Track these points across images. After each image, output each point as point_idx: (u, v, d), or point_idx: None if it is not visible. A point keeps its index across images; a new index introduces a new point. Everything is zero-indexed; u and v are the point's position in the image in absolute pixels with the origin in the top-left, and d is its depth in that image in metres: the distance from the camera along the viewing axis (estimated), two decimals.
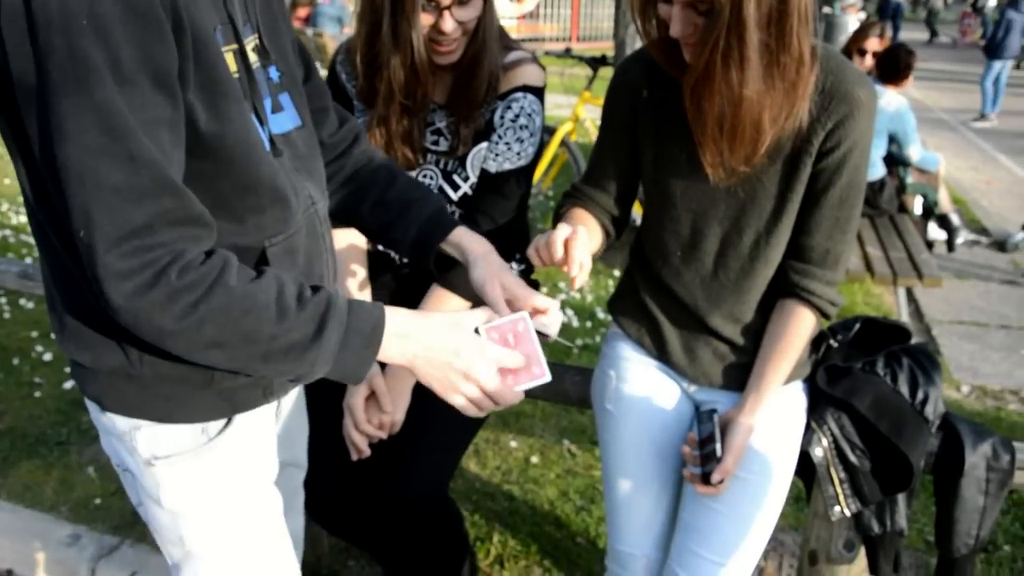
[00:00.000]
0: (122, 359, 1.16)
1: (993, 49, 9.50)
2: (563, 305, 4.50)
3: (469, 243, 1.50)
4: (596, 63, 5.47)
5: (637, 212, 4.73)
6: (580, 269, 1.42)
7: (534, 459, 3.06)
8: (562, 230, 1.44)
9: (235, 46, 1.12)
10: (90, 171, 0.94)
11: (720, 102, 1.39)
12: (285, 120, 1.25)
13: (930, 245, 5.26)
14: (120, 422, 1.23)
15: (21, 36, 0.91)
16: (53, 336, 1.24)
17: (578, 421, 3.33)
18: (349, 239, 1.88)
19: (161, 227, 0.99)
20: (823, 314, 1.64)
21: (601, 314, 4.40)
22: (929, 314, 4.79)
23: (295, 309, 1.09)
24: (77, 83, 0.91)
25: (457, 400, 1.26)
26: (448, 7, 1.67)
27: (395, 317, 1.19)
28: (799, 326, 1.64)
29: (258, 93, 1.16)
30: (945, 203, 5.24)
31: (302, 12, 10.58)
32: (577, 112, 5.81)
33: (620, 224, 1.79)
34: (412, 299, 1.84)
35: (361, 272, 1.91)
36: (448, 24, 1.68)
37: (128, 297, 0.98)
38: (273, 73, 1.23)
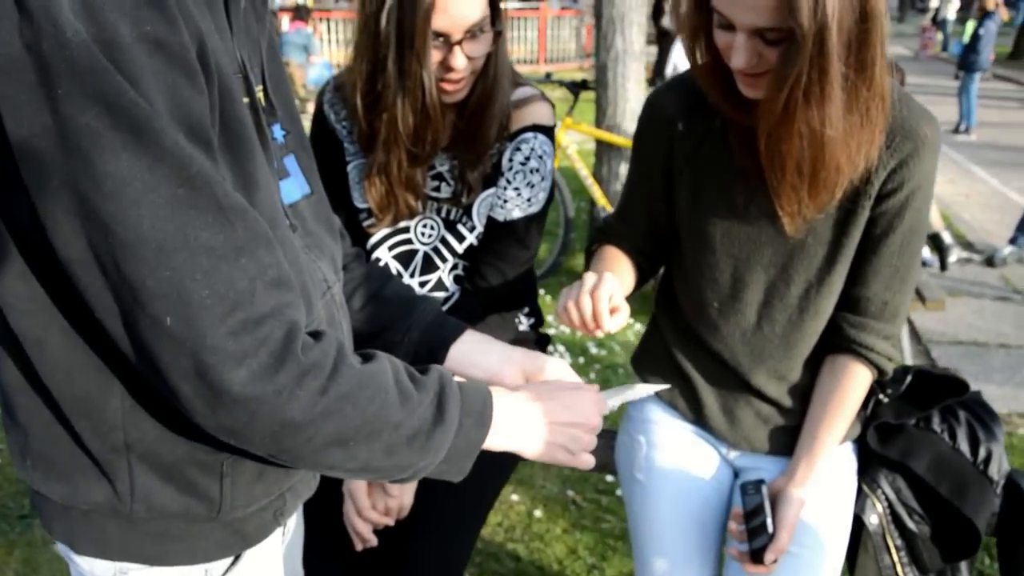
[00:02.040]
0: (108, 493, 0.92)
1: (972, 62, 9.51)
2: (552, 340, 4.33)
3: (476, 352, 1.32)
4: (577, 88, 5.33)
5: None
6: (613, 315, 1.28)
7: (537, 513, 2.88)
8: (588, 281, 1.28)
9: (247, 100, 0.92)
10: (175, 233, 0.75)
11: (800, 145, 1.23)
12: (292, 188, 1.05)
13: (923, 264, 5.17)
14: (100, 566, 0.99)
15: (29, 90, 0.71)
16: (13, 461, 1.00)
17: (580, 469, 3.14)
18: None
19: (264, 291, 0.80)
20: (880, 371, 1.48)
21: (594, 349, 4.24)
22: (927, 335, 4.67)
23: (414, 391, 0.93)
24: (135, 132, 0.72)
25: (585, 458, 1.15)
26: (459, 42, 1.50)
27: (494, 390, 1.06)
28: (854, 384, 1.48)
29: (271, 155, 0.96)
30: (936, 221, 5.15)
31: None
32: (558, 139, 5.66)
33: (655, 263, 1.63)
34: None
35: None
36: (459, 60, 1.51)
37: (248, 384, 0.78)
38: (277, 132, 1.04)
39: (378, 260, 1.72)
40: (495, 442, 1.04)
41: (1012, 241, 5.77)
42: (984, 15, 9.39)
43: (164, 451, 0.92)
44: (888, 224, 1.38)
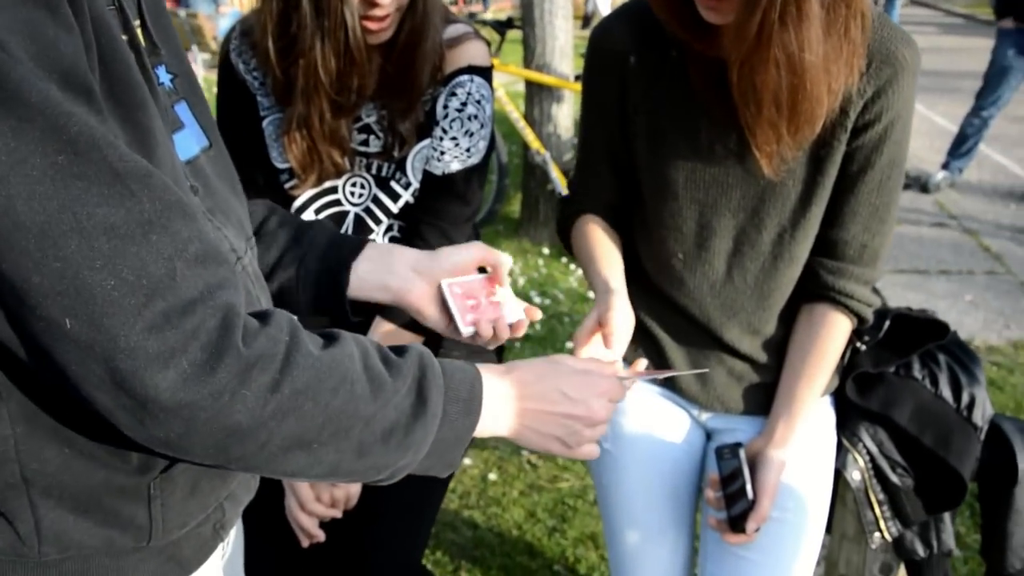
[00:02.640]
0: (8, 537, 0.75)
1: None
2: None
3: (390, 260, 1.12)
4: (503, 27, 5.12)
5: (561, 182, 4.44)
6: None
7: (492, 476, 2.76)
8: (590, 322, 1.22)
9: (124, 37, 0.73)
10: (60, 213, 0.59)
11: (777, 73, 1.07)
12: (189, 141, 0.85)
13: None
14: None
15: None
16: None
17: None
18: None
19: (187, 271, 0.65)
20: (860, 319, 1.37)
21: (537, 298, 4.11)
22: None
23: (388, 377, 0.78)
24: None
25: (585, 450, 0.99)
26: None
27: (484, 369, 0.91)
28: (833, 334, 1.36)
29: (161, 104, 0.77)
30: None
31: None
32: None
33: (622, 218, 1.49)
34: None
35: None
36: None
37: (179, 389, 0.63)
38: (163, 75, 0.84)
39: None
40: (482, 429, 0.89)
41: (945, 166, 5.78)
42: None
43: (73, 481, 0.75)
44: (866, 159, 1.25)
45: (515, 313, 1.11)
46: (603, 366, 1.01)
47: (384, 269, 1.10)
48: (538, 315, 1.12)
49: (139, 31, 0.77)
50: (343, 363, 0.75)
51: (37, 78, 0.58)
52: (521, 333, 1.10)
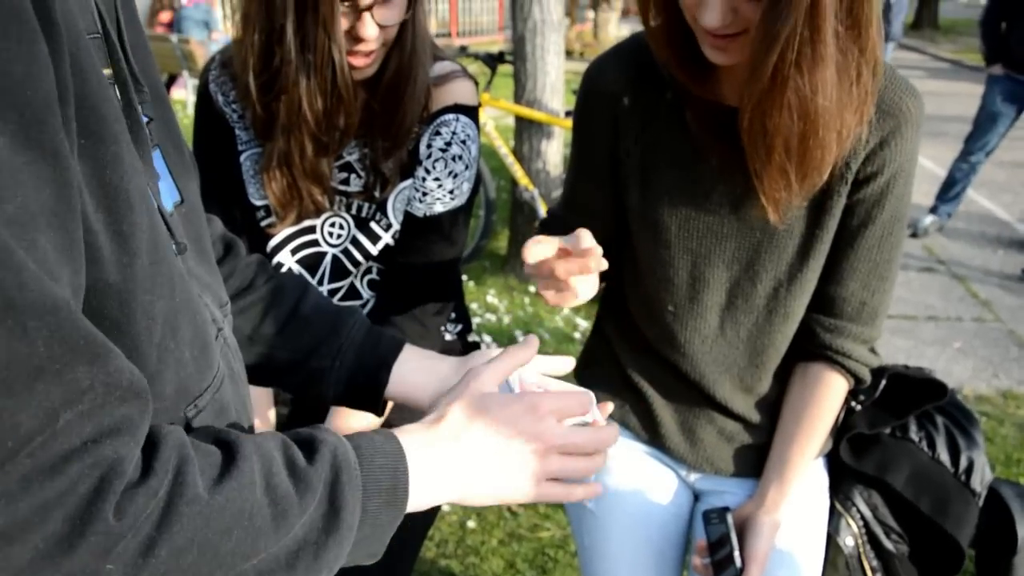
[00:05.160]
0: None
1: (884, 32, 9.52)
2: (478, 329, 4.12)
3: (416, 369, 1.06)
4: (494, 61, 5.09)
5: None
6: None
7: (471, 524, 2.67)
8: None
9: (108, 71, 0.64)
10: None
11: (790, 118, 1.02)
12: (163, 194, 0.74)
13: None
14: None
15: None
16: None
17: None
18: None
19: (75, 422, 0.51)
20: (857, 379, 1.31)
21: (521, 338, 4.03)
22: None
23: (294, 496, 0.65)
24: None
25: (554, 491, 0.83)
26: (369, 7, 1.25)
27: (409, 441, 0.77)
28: (829, 395, 1.30)
29: (146, 151, 0.67)
30: None
31: (164, 17, 9.83)
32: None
33: (610, 261, 1.41)
34: (316, 406, 1.42)
35: (263, 397, 1.48)
36: (369, 29, 1.26)
37: (24, 571, 0.50)
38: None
39: (280, 265, 1.47)
40: (421, 504, 0.77)
41: (933, 210, 5.77)
42: None
43: None
44: (867, 213, 1.20)
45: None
46: (542, 395, 0.86)
47: (426, 368, 1.05)
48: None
49: (124, 63, 0.67)
50: (239, 497, 0.62)
51: None
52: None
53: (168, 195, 0.75)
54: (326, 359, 1.04)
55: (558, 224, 1.37)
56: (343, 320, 1.07)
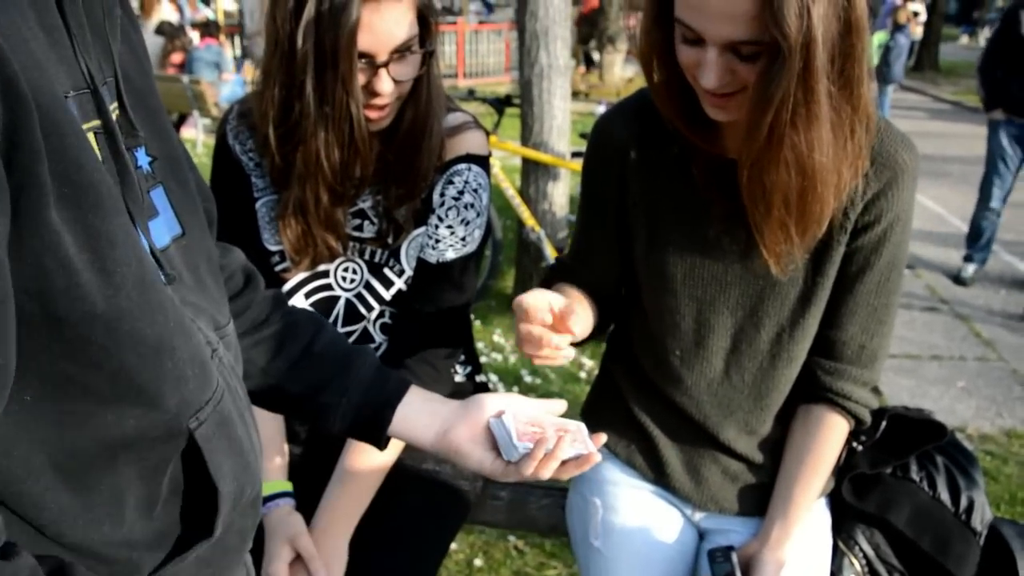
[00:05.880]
0: None
1: (884, 75, 9.67)
2: (484, 368, 4.15)
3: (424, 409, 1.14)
4: (501, 104, 5.18)
5: None
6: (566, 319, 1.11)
7: (478, 562, 2.69)
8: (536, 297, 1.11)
9: (97, 123, 0.69)
10: None
11: (787, 174, 1.07)
12: (161, 230, 0.80)
13: None
14: None
15: None
16: None
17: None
18: None
19: None
20: (858, 420, 1.34)
21: (528, 377, 4.07)
22: None
23: None
24: None
25: None
26: (386, 64, 1.31)
27: None
28: (830, 436, 1.34)
29: (135, 193, 0.72)
30: None
31: (176, 58, 9.98)
32: None
33: (611, 309, 1.46)
34: (330, 445, 1.47)
35: (274, 425, 1.52)
36: (385, 84, 1.32)
37: None
38: (142, 158, 0.79)
39: None
40: None
41: (967, 259, 5.69)
42: (896, 28, 9.56)
43: None
44: (865, 260, 1.24)
45: (574, 449, 1.06)
46: None
47: (429, 411, 1.12)
48: (597, 457, 1.07)
49: (118, 111, 0.74)
50: None
51: None
52: (575, 472, 1.07)
53: (167, 229, 0.81)
54: (334, 396, 1.11)
55: (566, 272, 1.43)
56: (353, 359, 1.13)
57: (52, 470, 0.66)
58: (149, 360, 0.68)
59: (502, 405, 1.10)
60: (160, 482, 0.75)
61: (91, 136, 0.68)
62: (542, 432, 1.05)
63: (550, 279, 1.46)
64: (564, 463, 1.06)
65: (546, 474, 1.04)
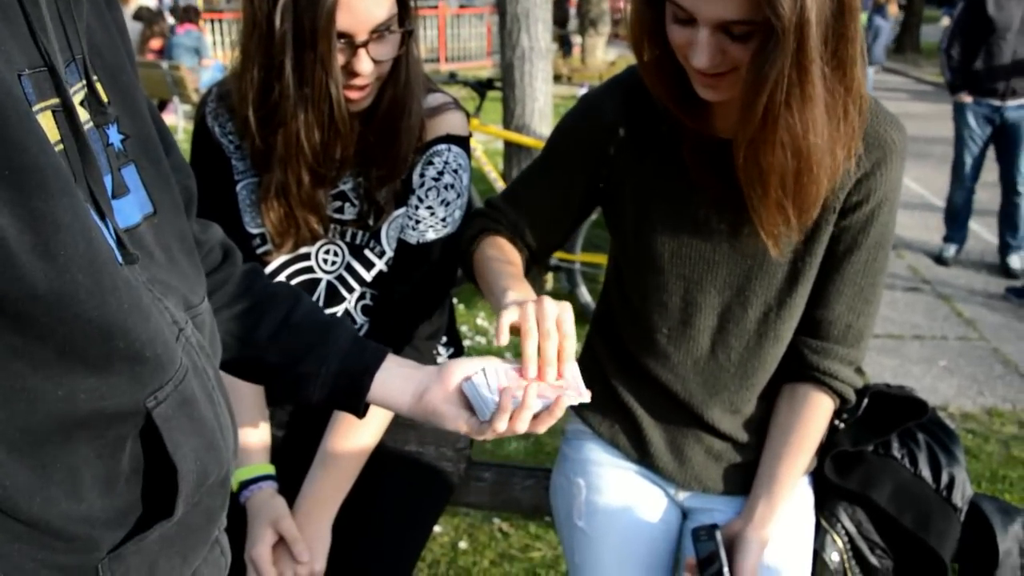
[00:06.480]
0: None
1: (866, 57, 9.69)
2: (468, 352, 4.14)
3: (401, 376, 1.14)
4: (483, 87, 5.16)
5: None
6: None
7: (463, 544, 2.69)
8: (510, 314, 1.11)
9: (55, 101, 0.68)
10: None
11: (783, 155, 1.07)
12: (131, 208, 0.79)
13: None
14: None
15: None
16: None
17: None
18: None
19: None
20: (843, 399, 1.35)
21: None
22: None
23: None
24: None
25: None
26: (364, 44, 1.30)
27: None
28: (815, 415, 1.34)
29: (95, 171, 0.72)
30: None
31: (155, 44, 9.89)
32: None
33: (535, 259, 1.46)
34: (312, 428, 1.46)
35: (256, 409, 1.51)
36: (364, 64, 1.31)
37: None
38: (113, 135, 0.78)
39: None
40: None
41: (947, 239, 5.71)
42: (876, 10, 9.61)
43: (7, 564, 0.68)
44: (852, 240, 1.24)
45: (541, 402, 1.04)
46: None
47: (404, 375, 1.13)
48: (583, 399, 1.07)
49: (85, 90, 0.73)
50: None
51: None
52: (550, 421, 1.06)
53: (138, 207, 0.81)
54: (313, 365, 1.11)
55: (494, 215, 1.42)
56: (331, 329, 1.14)
57: (5, 447, 0.66)
58: (96, 340, 0.68)
59: (477, 367, 1.10)
60: (119, 460, 0.75)
61: (48, 115, 0.68)
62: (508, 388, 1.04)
63: (477, 226, 1.43)
64: (536, 416, 1.04)
65: (521, 427, 1.03)
